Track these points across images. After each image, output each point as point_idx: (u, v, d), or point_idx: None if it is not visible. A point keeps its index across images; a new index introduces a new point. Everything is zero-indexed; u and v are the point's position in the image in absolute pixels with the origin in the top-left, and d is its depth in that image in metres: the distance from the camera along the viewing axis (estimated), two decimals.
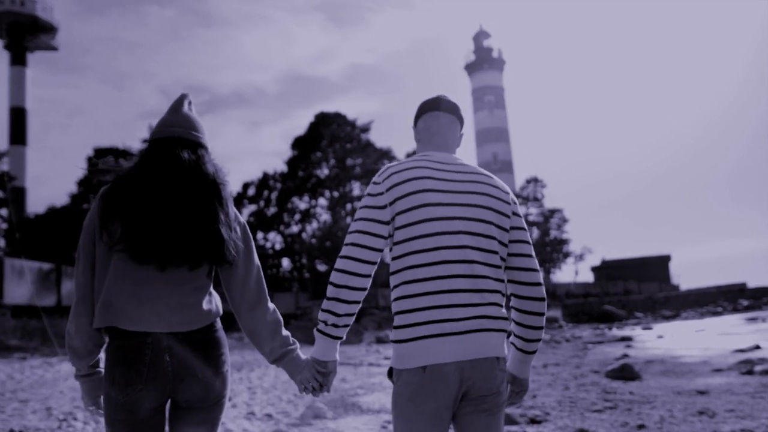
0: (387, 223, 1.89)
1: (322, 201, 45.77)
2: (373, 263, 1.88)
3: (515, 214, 1.98)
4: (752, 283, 47.26)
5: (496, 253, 1.90)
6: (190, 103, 2.09)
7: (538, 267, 1.99)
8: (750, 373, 7.74)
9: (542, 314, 1.98)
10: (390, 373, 1.90)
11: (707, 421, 5.16)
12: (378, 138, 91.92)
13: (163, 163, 1.93)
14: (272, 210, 45.03)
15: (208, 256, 1.91)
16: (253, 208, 44.92)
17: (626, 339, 15.00)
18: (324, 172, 45.68)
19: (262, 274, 2.08)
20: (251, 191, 45.10)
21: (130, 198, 1.87)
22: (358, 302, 1.90)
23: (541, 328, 1.99)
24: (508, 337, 1.97)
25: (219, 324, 2.01)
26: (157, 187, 1.88)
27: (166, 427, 2.00)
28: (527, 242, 1.99)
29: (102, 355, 1.97)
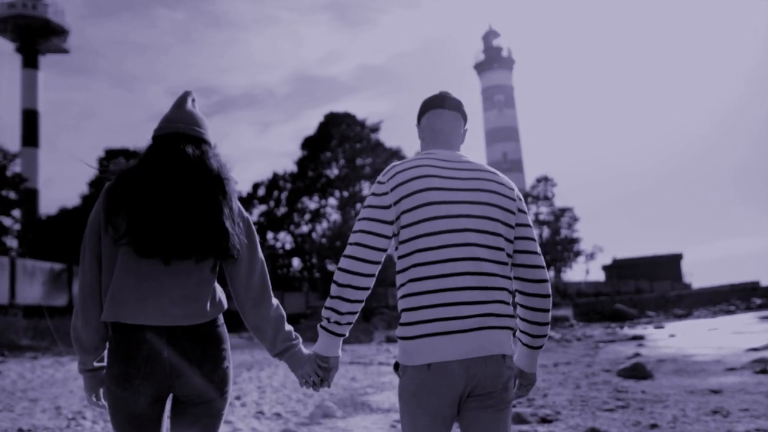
0: (391, 222, 1.91)
1: (332, 201, 45.84)
2: (377, 263, 1.90)
3: (520, 210, 1.99)
4: (765, 281, 46.83)
5: (502, 250, 1.91)
6: (193, 100, 2.11)
7: (543, 264, 1.99)
8: (764, 372, 7.66)
9: (548, 310, 1.99)
10: (396, 366, 1.93)
11: (721, 421, 5.09)
12: (387, 138, 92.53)
13: (168, 158, 1.94)
14: (282, 210, 45.12)
15: (212, 249, 1.91)
16: (263, 208, 45.05)
17: (638, 338, 14.88)
18: (334, 172, 45.73)
19: (266, 270, 2.09)
20: (261, 191, 45.20)
21: (135, 192, 1.89)
22: (360, 301, 1.93)
23: (546, 323, 2.00)
24: (515, 334, 1.97)
25: (221, 320, 2.02)
26: (162, 182, 1.89)
27: (168, 423, 2.02)
28: (533, 239, 1.99)
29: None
